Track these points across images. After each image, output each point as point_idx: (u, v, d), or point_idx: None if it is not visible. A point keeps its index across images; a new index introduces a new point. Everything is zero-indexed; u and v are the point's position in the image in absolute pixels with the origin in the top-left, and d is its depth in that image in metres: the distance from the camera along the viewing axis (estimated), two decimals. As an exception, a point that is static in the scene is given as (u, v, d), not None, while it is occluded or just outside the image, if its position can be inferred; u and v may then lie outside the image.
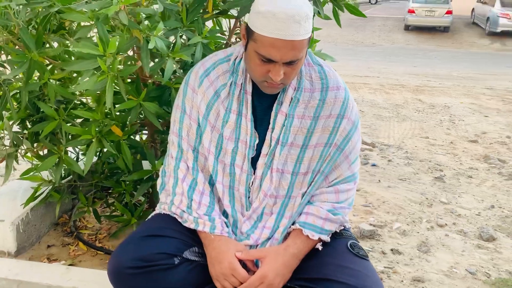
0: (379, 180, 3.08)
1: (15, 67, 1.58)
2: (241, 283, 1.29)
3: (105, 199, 2.19)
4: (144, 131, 2.16)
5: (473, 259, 2.12)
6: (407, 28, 15.95)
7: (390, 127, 4.72)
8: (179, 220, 1.40)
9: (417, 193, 2.87)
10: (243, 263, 1.32)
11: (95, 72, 1.40)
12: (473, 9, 17.35)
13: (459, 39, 14.67)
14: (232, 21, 1.98)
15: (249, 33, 1.29)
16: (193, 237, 1.37)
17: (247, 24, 1.31)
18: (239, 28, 1.97)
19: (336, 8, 1.85)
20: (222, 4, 1.83)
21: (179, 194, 1.40)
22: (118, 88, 1.52)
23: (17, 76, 1.73)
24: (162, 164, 1.90)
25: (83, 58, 1.44)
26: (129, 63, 1.63)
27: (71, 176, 2.13)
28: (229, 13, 1.89)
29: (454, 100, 6.39)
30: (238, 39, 2.02)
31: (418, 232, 2.31)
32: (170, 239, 1.33)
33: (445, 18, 15.26)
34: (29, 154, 1.97)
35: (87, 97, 2.01)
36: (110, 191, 2.47)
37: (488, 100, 6.51)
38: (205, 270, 1.35)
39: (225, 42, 1.96)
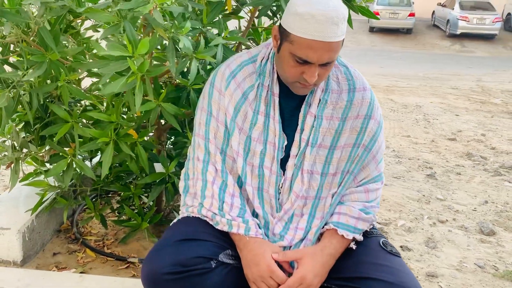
0: (374, 179, 3.12)
1: (32, 68, 1.50)
2: (279, 285, 1.28)
3: (110, 204, 2.12)
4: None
5: (479, 253, 2.18)
6: (372, 30, 16.29)
7: (372, 127, 4.79)
8: (210, 222, 1.37)
9: (413, 191, 2.93)
10: (278, 264, 1.32)
11: (124, 73, 1.36)
12: (433, 11, 17.90)
13: (421, 41, 15.12)
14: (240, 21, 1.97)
15: (283, 35, 1.28)
16: (225, 240, 1.35)
17: (280, 25, 1.30)
18: (251, 29, 1.95)
19: (350, 10, 1.87)
20: (236, 5, 1.82)
21: (209, 196, 1.37)
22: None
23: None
24: (174, 166, 1.88)
25: (105, 59, 1.39)
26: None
27: (73, 181, 2.05)
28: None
29: (424, 100, 6.58)
30: (249, 40, 2.01)
31: (422, 229, 2.37)
32: (205, 242, 1.30)
33: (408, 20, 15.68)
34: (29, 159, 1.89)
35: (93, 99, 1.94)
36: (109, 195, 2.40)
37: (455, 99, 6.74)
38: (240, 273, 1.33)
39: (236, 43, 1.94)
